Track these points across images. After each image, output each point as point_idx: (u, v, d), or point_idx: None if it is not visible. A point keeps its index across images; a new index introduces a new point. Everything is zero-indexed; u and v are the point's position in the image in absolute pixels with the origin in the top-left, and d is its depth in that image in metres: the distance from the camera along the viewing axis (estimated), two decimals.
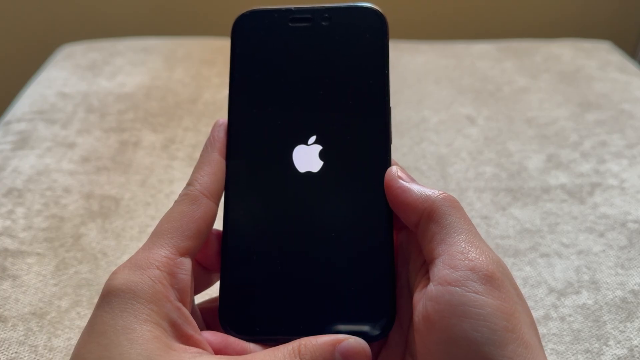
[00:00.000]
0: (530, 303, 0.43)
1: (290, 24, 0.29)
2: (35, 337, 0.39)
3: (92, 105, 0.67)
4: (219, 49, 0.81)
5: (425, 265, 0.24)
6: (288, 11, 0.29)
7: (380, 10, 0.29)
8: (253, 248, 0.27)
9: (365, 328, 0.25)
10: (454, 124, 0.65)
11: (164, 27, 1.17)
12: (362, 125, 0.27)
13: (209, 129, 0.63)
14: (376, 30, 0.28)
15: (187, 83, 0.73)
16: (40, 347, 0.39)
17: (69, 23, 1.16)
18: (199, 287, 0.28)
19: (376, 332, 0.25)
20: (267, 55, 0.29)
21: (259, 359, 0.22)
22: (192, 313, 0.25)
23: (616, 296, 0.43)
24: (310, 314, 0.25)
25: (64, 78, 0.72)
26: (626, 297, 0.43)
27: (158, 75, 0.74)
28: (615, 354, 0.39)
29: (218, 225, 0.27)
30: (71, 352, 0.38)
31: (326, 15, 0.29)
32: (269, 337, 0.25)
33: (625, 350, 0.39)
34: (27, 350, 0.38)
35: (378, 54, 0.28)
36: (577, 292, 0.44)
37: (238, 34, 0.29)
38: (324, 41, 0.29)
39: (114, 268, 0.45)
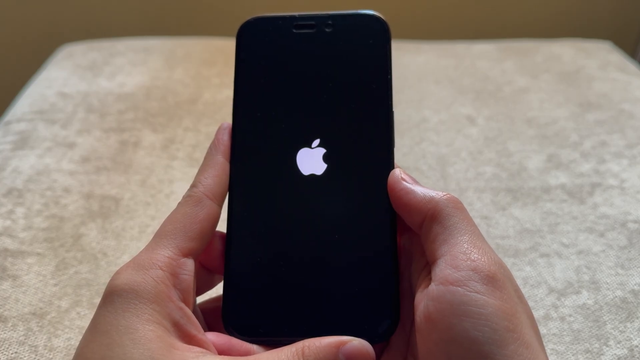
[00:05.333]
0: (530, 303, 0.43)
1: (294, 31, 0.29)
2: (35, 337, 0.39)
3: (92, 105, 0.67)
4: (219, 49, 0.82)
5: (428, 267, 0.24)
6: (292, 18, 0.29)
7: (382, 17, 0.29)
8: (257, 250, 0.27)
9: (368, 330, 0.25)
10: (454, 124, 0.65)
11: (164, 27, 1.17)
12: (365, 129, 0.28)
13: (209, 129, 0.64)
14: (379, 37, 0.29)
15: (187, 83, 0.73)
16: (40, 347, 0.39)
17: (69, 23, 1.16)
18: (201, 288, 0.28)
19: (380, 334, 0.25)
20: (271, 60, 0.29)
21: None
22: (194, 314, 0.25)
23: (616, 296, 0.43)
24: (313, 316, 0.25)
25: (64, 78, 0.72)
26: (626, 297, 0.43)
27: (158, 75, 0.74)
28: (615, 354, 0.39)
29: (222, 227, 0.27)
30: (71, 352, 0.38)
31: (329, 22, 0.29)
32: (273, 339, 0.25)
33: (625, 351, 0.39)
34: (27, 350, 0.38)
35: (381, 59, 0.28)
36: (577, 292, 0.44)
37: (243, 40, 0.30)
38: (327, 47, 0.29)
39: (114, 268, 0.45)
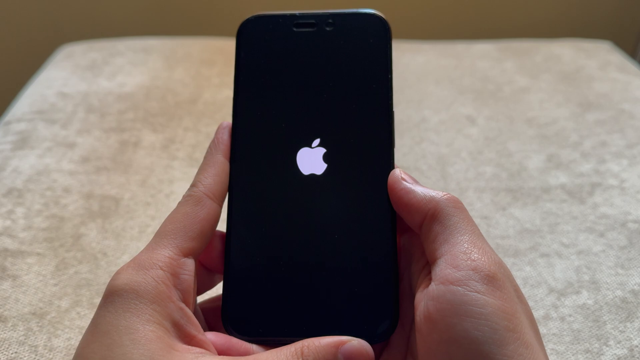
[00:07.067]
0: (530, 303, 0.43)
1: (294, 29, 0.29)
2: (35, 337, 0.39)
3: (92, 105, 0.67)
4: (219, 49, 0.82)
5: (428, 267, 0.24)
6: (292, 17, 0.29)
7: (383, 16, 0.29)
8: (256, 249, 0.27)
9: (368, 330, 0.25)
10: (454, 123, 0.65)
11: (164, 27, 1.17)
12: (365, 129, 0.28)
13: (209, 129, 0.64)
14: (379, 36, 0.29)
15: (187, 83, 0.73)
16: (40, 347, 0.39)
17: (69, 23, 1.16)
18: (201, 288, 0.28)
19: (379, 334, 0.25)
20: (271, 59, 0.29)
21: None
22: (195, 314, 0.25)
23: (616, 296, 0.43)
24: (313, 316, 0.25)
25: (64, 78, 0.72)
26: (626, 297, 0.43)
27: (158, 75, 0.74)
28: (615, 354, 0.39)
29: (222, 227, 0.27)
30: (71, 352, 0.38)
31: (330, 21, 0.29)
32: (272, 339, 0.25)
33: (625, 350, 0.39)
34: (27, 350, 0.38)
35: (381, 58, 0.28)
36: (577, 292, 0.44)
37: (243, 38, 0.30)
38: (327, 46, 0.29)
39: (114, 268, 0.45)
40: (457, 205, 0.24)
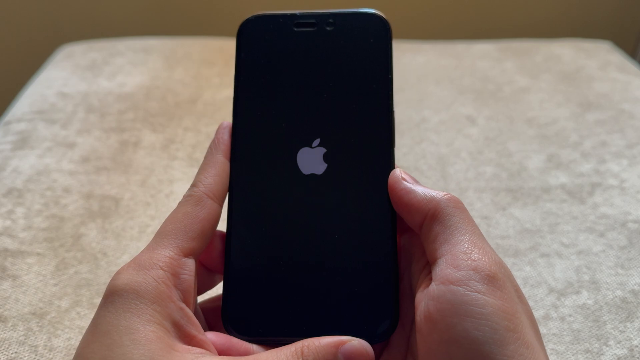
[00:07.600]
0: (530, 303, 0.43)
1: (295, 29, 0.29)
2: (35, 337, 0.39)
3: (92, 105, 0.67)
4: (219, 49, 0.82)
5: (428, 267, 0.24)
6: (293, 16, 0.29)
7: (384, 16, 0.29)
8: (256, 249, 0.27)
9: (368, 330, 0.25)
10: (454, 123, 0.65)
11: (164, 27, 1.17)
12: (365, 128, 0.28)
13: (209, 129, 0.64)
14: (380, 36, 0.29)
15: (187, 83, 0.73)
16: (40, 347, 0.39)
17: (69, 23, 1.16)
18: (202, 288, 0.28)
19: (379, 334, 0.25)
20: (271, 59, 0.29)
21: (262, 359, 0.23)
22: (195, 313, 0.25)
23: (616, 296, 0.43)
24: (313, 316, 0.25)
25: (64, 78, 0.72)
26: (626, 297, 0.43)
27: (158, 75, 0.74)
28: (615, 354, 0.39)
29: (222, 227, 0.27)
30: (71, 352, 0.38)
31: (330, 20, 0.29)
32: (272, 339, 0.25)
33: (625, 350, 0.39)
34: (27, 350, 0.38)
35: (382, 58, 0.28)
36: (577, 292, 0.44)
37: (243, 38, 0.30)
38: (328, 46, 0.29)
39: (114, 268, 0.45)
40: (458, 205, 0.24)
